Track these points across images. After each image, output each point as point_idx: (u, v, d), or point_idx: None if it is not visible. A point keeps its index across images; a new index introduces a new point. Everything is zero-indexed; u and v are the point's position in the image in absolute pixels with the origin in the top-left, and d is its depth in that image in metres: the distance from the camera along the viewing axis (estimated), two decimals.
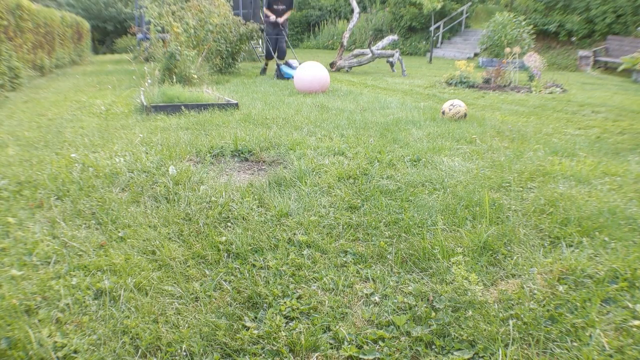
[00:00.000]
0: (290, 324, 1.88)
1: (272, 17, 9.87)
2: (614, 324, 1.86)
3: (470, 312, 1.94)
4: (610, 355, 1.69)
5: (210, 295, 2.05)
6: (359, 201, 3.07)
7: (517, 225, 2.74)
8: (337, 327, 1.86)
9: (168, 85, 6.75)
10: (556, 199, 3.13)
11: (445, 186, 3.35)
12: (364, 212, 2.92)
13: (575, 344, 1.75)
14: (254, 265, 2.30)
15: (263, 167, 3.88)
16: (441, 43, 19.23)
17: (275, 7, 10.00)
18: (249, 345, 1.76)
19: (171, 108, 5.88)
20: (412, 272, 2.26)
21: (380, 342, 1.77)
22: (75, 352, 1.70)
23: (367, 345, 1.76)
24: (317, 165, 3.80)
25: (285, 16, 10.09)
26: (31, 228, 2.65)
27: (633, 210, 2.97)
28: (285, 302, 2.01)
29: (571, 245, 2.51)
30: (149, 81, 6.70)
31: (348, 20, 18.36)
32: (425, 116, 5.95)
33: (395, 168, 3.76)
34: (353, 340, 1.78)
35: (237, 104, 6.17)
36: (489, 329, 1.84)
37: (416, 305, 1.98)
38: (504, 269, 2.28)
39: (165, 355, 1.71)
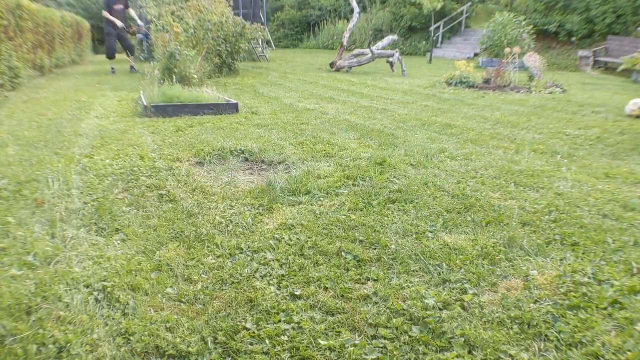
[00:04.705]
0: (291, 324, 1.88)
1: (119, 23, 10.34)
2: (616, 324, 1.86)
3: (471, 313, 1.94)
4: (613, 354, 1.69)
5: (211, 296, 2.05)
6: (359, 202, 3.07)
7: (518, 226, 2.74)
8: (338, 327, 1.86)
9: (168, 85, 6.73)
10: (557, 200, 3.13)
11: (446, 187, 3.35)
12: (364, 212, 2.92)
13: (577, 344, 1.75)
14: (254, 266, 2.30)
15: (264, 168, 3.88)
16: (441, 43, 19.21)
17: (115, 7, 10.37)
18: (249, 346, 1.75)
19: (171, 108, 5.87)
20: (413, 272, 2.26)
21: (380, 342, 1.77)
22: (75, 352, 1.70)
23: (368, 345, 1.76)
24: (318, 166, 3.81)
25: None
26: (31, 228, 2.64)
27: (633, 212, 2.97)
28: (285, 303, 2.01)
29: (572, 245, 2.51)
30: (149, 81, 6.69)
31: (348, 20, 18.37)
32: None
33: (397, 169, 3.76)
34: (353, 340, 1.78)
35: (236, 104, 6.17)
36: (490, 329, 1.84)
37: (416, 305, 1.98)
38: (505, 270, 2.28)
39: (165, 355, 1.70)
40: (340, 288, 2.10)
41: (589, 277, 2.19)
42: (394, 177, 3.55)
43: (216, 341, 1.78)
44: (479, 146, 4.54)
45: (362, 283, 2.17)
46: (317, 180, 3.43)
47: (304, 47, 22.46)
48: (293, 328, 1.85)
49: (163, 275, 2.19)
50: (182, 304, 1.99)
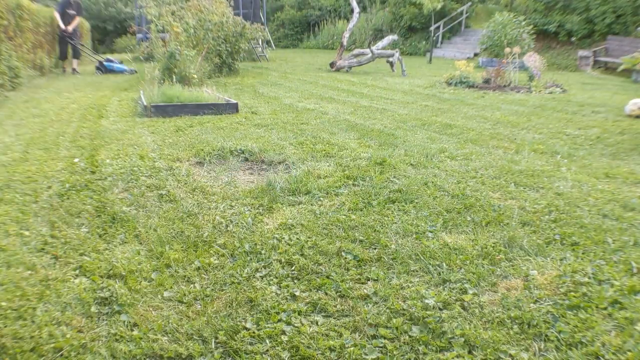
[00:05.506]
0: (291, 325, 1.88)
1: (62, 26, 10.55)
2: (616, 324, 1.86)
3: (471, 313, 1.94)
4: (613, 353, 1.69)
5: (211, 296, 2.05)
6: (359, 202, 3.07)
7: (518, 226, 2.74)
8: (339, 327, 1.86)
9: (168, 85, 6.73)
10: (557, 200, 3.13)
11: (446, 187, 3.35)
12: (364, 212, 2.92)
13: (577, 344, 1.75)
14: (254, 266, 2.30)
15: (264, 168, 3.88)
16: (441, 43, 19.21)
17: (68, 11, 10.73)
18: (249, 346, 1.76)
19: (171, 108, 5.87)
20: (413, 272, 2.26)
21: (380, 342, 1.77)
22: (75, 351, 1.70)
23: (368, 344, 1.76)
24: (318, 166, 3.81)
25: (75, 23, 10.80)
26: (32, 228, 2.64)
27: (633, 212, 2.97)
28: (285, 303, 2.01)
29: (572, 245, 2.51)
30: (149, 81, 6.69)
31: (348, 20, 18.35)
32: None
33: (397, 169, 3.76)
34: (354, 340, 1.78)
35: (236, 104, 6.17)
36: (490, 329, 1.84)
37: (416, 305, 1.98)
38: (505, 270, 2.28)
39: (167, 354, 1.71)
40: (341, 288, 2.10)
41: (589, 277, 2.19)
42: (394, 177, 3.55)
43: (217, 341, 1.78)
44: (479, 146, 4.54)
45: (363, 283, 2.17)
46: (317, 180, 3.43)
47: (304, 47, 22.45)
48: (293, 328, 1.85)
49: (163, 276, 2.20)
50: (182, 304, 1.99)
